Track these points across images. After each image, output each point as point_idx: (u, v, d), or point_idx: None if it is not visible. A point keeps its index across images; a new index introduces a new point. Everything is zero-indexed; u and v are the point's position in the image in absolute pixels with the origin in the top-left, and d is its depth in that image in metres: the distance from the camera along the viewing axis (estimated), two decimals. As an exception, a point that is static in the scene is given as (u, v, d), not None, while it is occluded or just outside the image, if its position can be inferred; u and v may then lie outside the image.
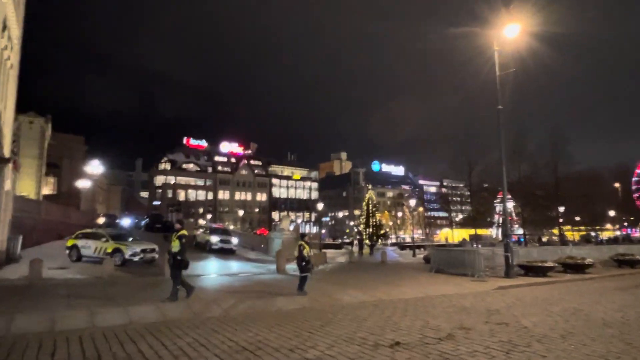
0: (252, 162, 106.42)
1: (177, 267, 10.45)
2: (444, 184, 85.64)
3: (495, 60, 17.47)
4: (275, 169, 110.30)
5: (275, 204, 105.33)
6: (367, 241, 45.57)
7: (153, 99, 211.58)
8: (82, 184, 43.44)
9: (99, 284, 13.19)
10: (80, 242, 19.06)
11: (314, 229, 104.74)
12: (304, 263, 12.04)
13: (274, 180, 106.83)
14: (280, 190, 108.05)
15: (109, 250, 18.11)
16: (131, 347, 6.38)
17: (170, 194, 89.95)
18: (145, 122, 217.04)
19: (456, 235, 60.41)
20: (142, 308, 9.14)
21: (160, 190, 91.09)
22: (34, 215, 24.14)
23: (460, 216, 74.69)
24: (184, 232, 10.71)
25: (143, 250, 18.48)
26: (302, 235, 12.92)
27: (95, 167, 38.83)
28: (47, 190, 48.94)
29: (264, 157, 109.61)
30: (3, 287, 10.95)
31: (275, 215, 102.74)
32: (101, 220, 35.74)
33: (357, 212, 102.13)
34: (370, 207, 49.26)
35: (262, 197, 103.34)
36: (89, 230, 20.97)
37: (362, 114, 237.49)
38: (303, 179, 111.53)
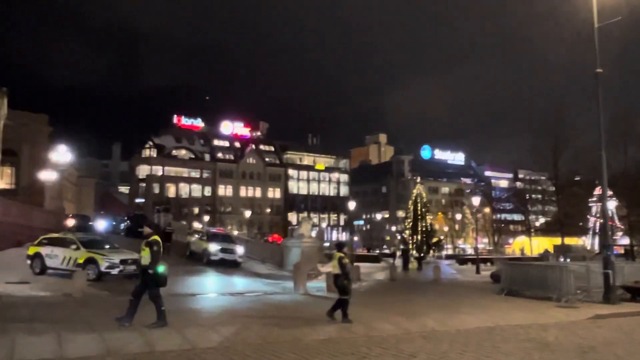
0: (262, 147, 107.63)
1: (152, 283, 10.56)
2: (520, 176, 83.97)
3: (592, 5, 16.90)
4: (293, 156, 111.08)
5: (293, 202, 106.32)
6: (414, 252, 45.28)
7: (135, 67, 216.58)
8: (47, 176, 44.96)
9: (68, 303, 13.68)
10: (44, 250, 19.80)
11: (343, 236, 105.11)
12: (346, 281, 12.09)
13: (291, 172, 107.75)
14: (298, 185, 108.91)
15: (81, 261, 18.73)
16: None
17: (156, 188, 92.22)
18: (125, 97, 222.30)
19: (535, 245, 59.20)
20: (122, 335, 9.42)
21: (144, 184, 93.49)
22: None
23: (542, 220, 73.24)
24: (156, 237, 10.83)
25: (123, 262, 19.03)
26: (340, 246, 12.86)
27: (62, 154, 40.23)
28: (2, 184, 51.05)
29: (277, 141, 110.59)
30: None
31: (293, 217, 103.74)
32: (70, 222, 36.95)
33: (400, 214, 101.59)
34: (419, 207, 48.87)
35: (275, 193, 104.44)
36: (55, 235, 21.74)
37: (408, 84, 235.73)
38: (329, 169, 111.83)
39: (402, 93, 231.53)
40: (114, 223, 44.19)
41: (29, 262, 20.18)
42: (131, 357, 8.08)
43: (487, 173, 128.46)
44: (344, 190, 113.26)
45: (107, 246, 20.91)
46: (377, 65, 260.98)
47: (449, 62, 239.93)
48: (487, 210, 78.92)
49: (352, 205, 42.65)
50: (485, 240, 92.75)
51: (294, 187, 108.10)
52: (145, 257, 10.60)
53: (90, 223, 39.68)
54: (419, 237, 47.78)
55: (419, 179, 65.90)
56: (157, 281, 10.62)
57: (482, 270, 35.82)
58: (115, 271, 18.80)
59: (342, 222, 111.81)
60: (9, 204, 29.72)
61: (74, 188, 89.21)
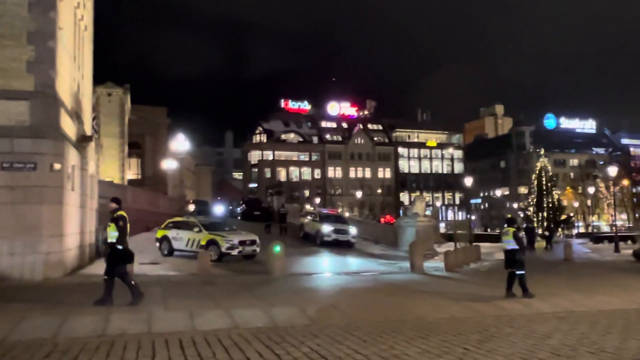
0: (369, 126, 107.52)
1: (117, 260, 10.38)
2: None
3: None
4: (402, 133, 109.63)
5: (404, 181, 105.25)
6: (540, 230, 42.89)
7: (243, 56, 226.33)
8: (168, 165, 48.79)
9: (195, 282, 14.79)
10: (171, 233, 21.54)
11: (460, 215, 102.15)
12: (523, 255, 12.47)
13: (401, 150, 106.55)
14: (409, 163, 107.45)
15: (203, 242, 20.12)
16: (238, 355, 7.03)
17: (268, 173, 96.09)
18: (235, 86, 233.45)
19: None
20: (246, 311, 9.97)
21: (256, 170, 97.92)
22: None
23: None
24: (122, 212, 10.62)
25: (242, 243, 20.14)
26: (511, 221, 13.07)
27: (181, 144, 43.15)
28: (130, 174, 56.31)
29: (385, 119, 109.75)
30: (92, 284, 12.95)
31: (404, 196, 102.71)
32: (191, 207, 39.80)
33: (522, 190, 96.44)
34: (544, 182, 46.23)
35: (385, 172, 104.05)
36: (179, 219, 23.58)
37: (522, 50, 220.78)
38: (441, 145, 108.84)
39: (517, 59, 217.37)
40: (230, 207, 46.93)
41: (157, 244, 22.07)
42: (256, 330, 8.53)
43: (624, 141, 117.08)
44: (458, 167, 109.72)
45: (227, 228, 22.24)
46: (489, 30, 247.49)
47: (564, 21, 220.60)
48: (625, 182, 72.03)
49: (468, 182, 41.21)
50: (623, 216, 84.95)
51: (404, 166, 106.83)
52: (112, 233, 10.41)
53: (208, 208, 42.44)
54: (545, 214, 45.24)
55: (542, 151, 61.83)
56: (122, 258, 10.44)
57: (621, 248, 32.91)
58: (235, 252, 19.95)
59: (457, 201, 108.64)
60: (138, 193, 32.70)
61: (193, 176, 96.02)
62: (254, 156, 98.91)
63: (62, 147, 14.84)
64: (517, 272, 12.26)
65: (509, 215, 14.20)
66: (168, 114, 64.27)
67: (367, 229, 34.13)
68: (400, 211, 78.27)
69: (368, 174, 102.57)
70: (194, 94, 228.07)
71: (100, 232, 20.55)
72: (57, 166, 14.49)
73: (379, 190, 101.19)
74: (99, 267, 17.14)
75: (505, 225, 13.00)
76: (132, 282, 10.55)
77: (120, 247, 10.39)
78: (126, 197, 29.26)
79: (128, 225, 10.71)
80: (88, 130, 19.96)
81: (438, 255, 26.05)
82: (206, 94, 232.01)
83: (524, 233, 31.77)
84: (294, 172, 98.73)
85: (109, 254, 10.52)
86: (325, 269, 19.92)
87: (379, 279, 16.89)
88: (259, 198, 55.34)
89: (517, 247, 12.37)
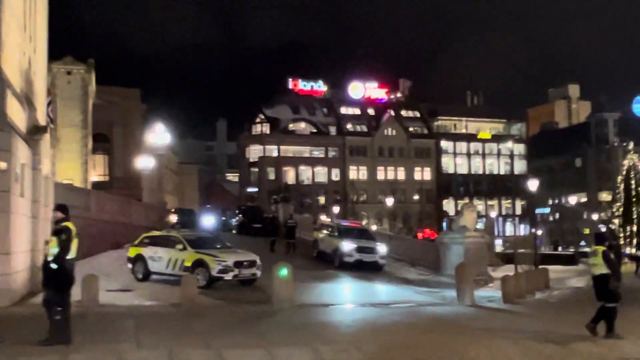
0: (404, 112, 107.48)
1: (54, 281, 10.25)
2: None
3: None
4: (446, 122, 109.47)
5: (448, 185, 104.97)
6: (630, 249, 42.47)
7: (239, 26, 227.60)
8: (144, 163, 49.08)
9: (178, 314, 14.88)
10: (147, 251, 21.72)
11: (522, 229, 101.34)
12: (617, 283, 12.32)
13: (445, 144, 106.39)
14: (455, 161, 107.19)
15: (188, 264, 20.24)
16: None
17: (272, 173, 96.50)
18: (229, 63, 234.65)
19: None
20: (244, 353, 10.02)
21: (256, 169, 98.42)
22: (82, 212, 28.22)
23: None
24: (68, 224, 10.54)
25: (238, 264, 20.21)
26: (601, 238, 12.84)
27: (159, 136, 43.47)
28: (95, 175, 56.98)
29: (424, 104, 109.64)
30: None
31: (449, 204, 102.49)
32: (173, 218, 40.01)
33: (605, 197, 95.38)
34: (633, 186, 45.80)
35: (423, 173, 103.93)
36: (158, 233, 23.72)
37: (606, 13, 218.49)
38: (497, 138, 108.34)
39: (600, 27, 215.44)
40: (223, 218, 47.00)
41: (130, 266, 22.25)
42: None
43: None
44: (519, 166, 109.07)
45: (218, 245, 22.33)
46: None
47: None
48: None
49: (532, 185, 40.80)
50: None
51: (449, 164, 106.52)
52: (52, 250, 10.33)
53: (195, 218, 42.61)
54: (635, 227, 44.77)
55: (631, 146, 61.09)
56: (61, 278, 10.31)
57: None
58: (229, 276, 20.01)
59: (518, 211, 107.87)
60: (104, 199, 33.04)
61: (175, 177, 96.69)
62: (254, 152, 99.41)
63: (8, 140, 15.01)
64: (607, 305, 12.10)
65: (601, 229, 14.02)
66: (143, 97, 65.06)
67: (401, 246, 34.03)
68: (444, 224, 77.97)
69: (401, 175, 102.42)
70: (176, 72, 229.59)
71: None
72: (1, 165, 14.66)
73: (416, 197, 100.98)
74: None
75: (593, 244, 12.83)
76: (58, 318, 10.29)
77: (54, 265, 10.26)
78: (89, 204, 29.62)
79: (75, 241, 10.59)
80: (42, 119, 20.20)
81: (493, 281, 25.86)
82: (192, 72, 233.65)
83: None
84: (305, 172, 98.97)
85: (47, 274, 10.49)
86: (346, 298, 19.90)
87: (416, 312, 16.85)
88: (259, 206, 55.51)
89: (608, 272, 12.13)
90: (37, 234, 18.04)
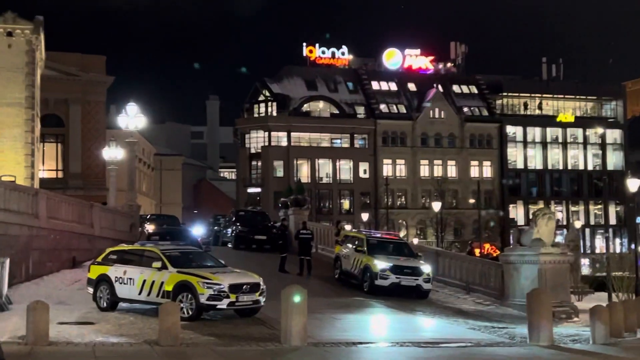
0: (455, 88, 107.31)
1: None
2: None
3: None
4: (513, 100, 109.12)
5: (517, 184, 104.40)
6: None
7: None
8: (110, 154, 49.18)
9: (154, 356, 14.77)
10: (114, 271, 21.72)
11: (618, 244, 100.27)
12: None
13: (511, 129, 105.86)
14: (525, 152, 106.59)
15: (169, 288, 20.16)
16: None
17: (279, 169, 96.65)
18: (224, 23, 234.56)
19: None
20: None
21: (258, 163, 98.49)
22: (26, 219, 28.26)
23: None
24: None
25: (235, 288, 20.09)
26: None
27: (131, 118, 43.45)
28: (44, 169, 57.21)
29: (483, 76, 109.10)
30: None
31: (516, 210, 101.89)
32: (149, 227, 40.02)
33: None
34: None
35: (482, 168, 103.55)
36: (129, 248, 23.67)
37: None
38: (583, 121, 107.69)
39: None
40: (216, 227, 46.98)
41: (90, 290, 22.21)
42: None
43: None
44: (614, 159, 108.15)
45: (209, 263, 22.24)
46: None
47: None
48: None
49: (632, 185, 40.29)
50: None
51: (516, 156, 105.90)
52: None
53: (180, 227, 42.62)
54: None
55: None
56: None
57: None
58: (222, 304, 19.87)
59: (613, 219, 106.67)
60: (57, 202, 32.96)
61: (152, 173, 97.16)
62: (256, 140, 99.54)
63: None
64: None
65: None
66: (110, 68, 65.16)
67: (452, 266, 33.69)
68: (511, 236, 77.27)
69: (453, 170, 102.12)
70: (152, 35, 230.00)
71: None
72: None
73: (472, 200, 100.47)
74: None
75: None
76: None
77: None
78: (37, 208, 29.58)
79: None
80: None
81: (578, 314, 25.51)
82: (174, 35, 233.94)
83: None
84: (324, 167, 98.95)
85: None
86: (379, 335, 19.76)
87: (473, 354, 16.68)
88: (264, 212, 55.23)
89: None
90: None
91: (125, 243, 27.80)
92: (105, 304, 21.59)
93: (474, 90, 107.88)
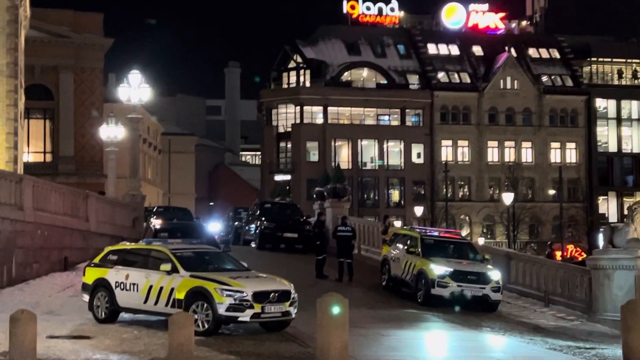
0: (531, 52, 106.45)
1: None
2: None
3: None
4: (605, 67, 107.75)
5: (607, 171, 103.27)
6: None
7: None
8: (108, 133, 49.55)
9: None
10: (114, 275, 21.84)
11: None
12: None
13: (601, 102, 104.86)
14: (619, 131, 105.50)
15: (181, 295, 20.27)
16: None
17: (313, 152, 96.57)
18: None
19: None
20: None
21: (287, 144, 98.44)
22: (9, 211, 28.56)
23: None
24: None
25: (260, 297, 20.12)
26: None
27: (134, 89, 43.69)
28: (30, 151, 57.66)
29: (566, 37, 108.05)
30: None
31: (607, 203, 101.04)
32: (157, 222, 40.30)
33: None
34: None
35: (565, 151, 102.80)
36: (132, 247, 23.94)
37: None
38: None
39: None
40: (236, 223, 47.19)
41: (86, 297, 22.34)
42: None
43: None
44: None
45: (228, 266, 22.35)
46: None
47: None
48: None
49: None
50: None
51: (608, 136, 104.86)
52: None
53: (193, 222, 42.86)
54: None
55: None
56: None
57: None
58: (245, 315, 19.89)
59: None
60: (45, 191, 33.27)
61: (159, 157, 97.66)
62: (285, 116, 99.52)
63: None
64: None
65: None
66: (108, 28, 65.46)
67: (526, 272, 33.57)
68: (600, 236, 76.61)
69: (528, 154, 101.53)
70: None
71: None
72: None
73: (551, 191, 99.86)
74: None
75: None
76: None
77: None
78: (21, 198, 29.89)
79: None
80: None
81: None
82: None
83: None
84: (368, 149, 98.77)
85: None
86: (436, 355, 19.79)
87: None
88: (294, 204, 55.37)
89: None
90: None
91: (128, 241, 28.04)
92: (103, 314, 21.67)
93: (556, 54, 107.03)
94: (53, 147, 60.09)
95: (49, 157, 59.64)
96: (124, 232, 37.96)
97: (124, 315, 21.77)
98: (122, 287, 21.49)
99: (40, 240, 30.50)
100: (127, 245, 24.61)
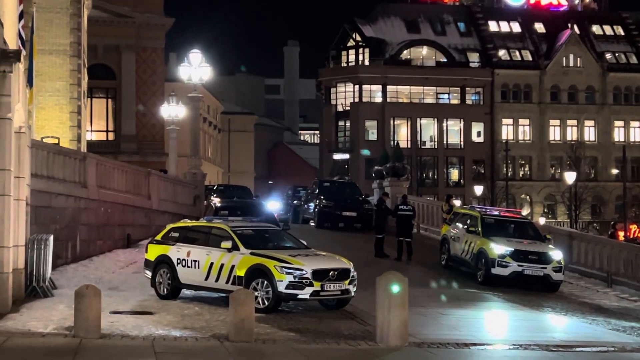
0: (595, 29, 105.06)
1: None
2: None
3: None
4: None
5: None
6: None
7: None
8: (169, 112, 49.92)
9: (225, 354, 15.02)
10: (175, 252, 22.07)
11: None
12: None
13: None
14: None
15: (241, 273, 20.41)
16: None
17: (372, 131, 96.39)
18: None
19: None
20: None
21: (346, 123, 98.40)
22: (72, 188, 28.96)
23: None
24: None
25: (319, 274, 20.17)
26: None
27: (195, 68, 43.96)
28: (93, 130, 58.31)
29: (631, 13, 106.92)
30: (23, 353, 13.35)
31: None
32: (217, 200, 40.59)
33: None
34: None
35: (629, 130, 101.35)
36: (193, 224, 24.14)
37: None
38: None
39: None
40: (295, 201, 47.34)
41: (148, 273, 22.66)
42: None
43: None
44: None
45: (288, 244, 22.49)
46: None
47: None
48: None
49: None
50: None
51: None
52: None
53: (252, 200, 43.05)
54: None
55: None
56: None
57: None
58: (305, 293, 19.95)
59: None
60: (108, 169, 33.64)
61: (219, 136, 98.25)
62: (343, 95, 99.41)
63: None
64: None
65: None
66: (169, 7, 65.88)
67: (589, 252, 33.27)
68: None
69: (591, 133, 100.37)
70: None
71: (38, 250, 21.38)
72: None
73: (614, 170, 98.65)
74: (32, 317, 17.90)
75: None
76: None
77: None
78: (84, 176, 30.27)
79: None
80: (11, 41, 20.67)
81: None
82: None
83: None
84: (427, 128, 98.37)
85: None
86: (496, 335, 19.66)
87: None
88: (353, 182, 55.36)
89: None
90: (6, 221, 18.47)
91: (189, 218, 28.26)
92: (165, 291, 21.99)
93: (620, 31, 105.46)
94: (115, 126, 60.69)
95: (111, 136, 60.30)
96: (184, 210, 38.24)
97: (185, 292, 22.12)
98: (183, 264, 21.75)
99: (103, 218, 30.94)
100: (188, 222, 24.82)
